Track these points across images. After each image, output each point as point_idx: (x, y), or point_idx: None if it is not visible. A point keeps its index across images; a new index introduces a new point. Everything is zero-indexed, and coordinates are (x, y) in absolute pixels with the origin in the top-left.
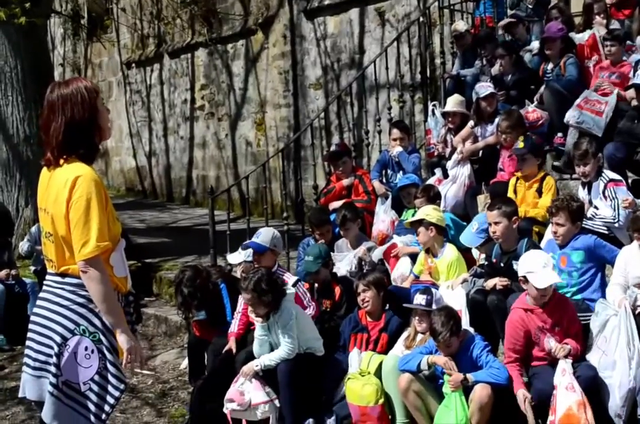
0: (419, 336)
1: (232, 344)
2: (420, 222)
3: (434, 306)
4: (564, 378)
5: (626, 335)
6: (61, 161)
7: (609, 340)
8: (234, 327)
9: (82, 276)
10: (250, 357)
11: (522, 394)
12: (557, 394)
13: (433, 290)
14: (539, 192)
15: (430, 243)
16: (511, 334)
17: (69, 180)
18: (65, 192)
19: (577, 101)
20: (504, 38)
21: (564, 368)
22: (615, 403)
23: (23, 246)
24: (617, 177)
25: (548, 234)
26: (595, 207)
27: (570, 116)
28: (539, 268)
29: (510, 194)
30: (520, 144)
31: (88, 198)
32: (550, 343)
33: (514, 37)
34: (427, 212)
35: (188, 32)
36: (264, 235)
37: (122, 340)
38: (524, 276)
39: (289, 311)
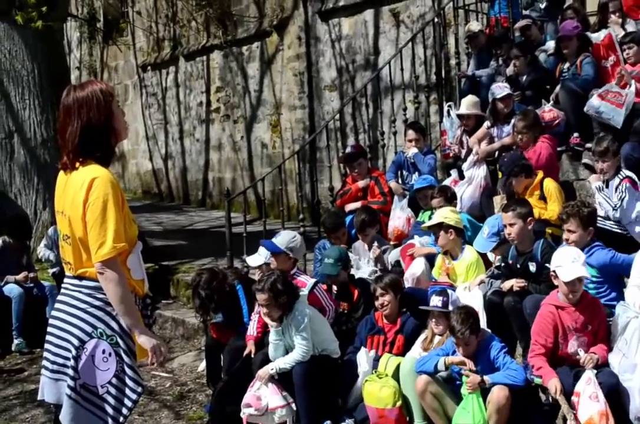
0: (437, 339)
1: (251, 347)
2: (438, 225)
3: (450, 308)
4: (588, 386)
5: None
6: (77, 164)
7: (630, 343)
8: (252, 330)
9: (99, 277)
10: (267, 359)
11: (554, 385)
12: (580, 402)
13: (449, 291)
14: (543, 199)
15: (449, 245)
16: (542, 329)
17: (86, 181)
18: (82, 193)
19: (599, 91)
20: (519, 39)
21: (590, 377)
22: (635, 406)
23: (44, 253)
24: (635, 177)
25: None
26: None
27: (590, 106)
28: (567, 262)
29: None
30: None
31: (105, 200)
32: (580, 352)
33: (528, 38)
34: (445, 215)
35: (203, 35)
36: (282, 237)
37: (142, 340)
38: (554, 271)
39: (303, 313)
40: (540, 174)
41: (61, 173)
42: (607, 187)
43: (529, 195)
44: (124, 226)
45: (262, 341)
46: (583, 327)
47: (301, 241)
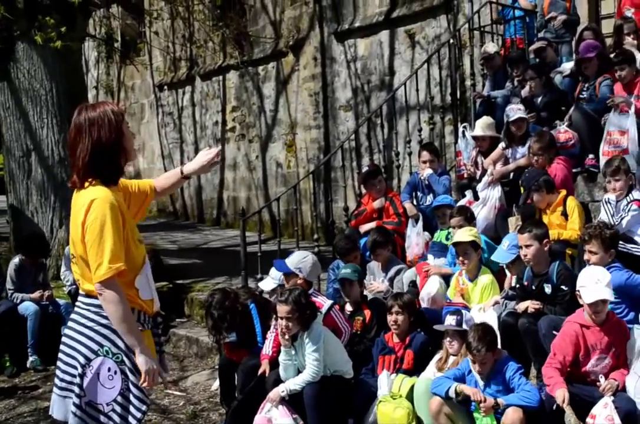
0: (451, 359)
1: (265, 366)
2: (468, 243)
3: (464, 326)
4: (604, 410)
5: None
6: (86, 184)
7: None
8: (267, 349)
9: (99, 298)
10: (279, 379)
11: (561, 394)
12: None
13: (463, 311)
14: (565, 215)
15: (472, 264)
16: (562, 346)
17: (85, 203)
18: (81, 215)
19: (601, 146)
20: (534, 61)
21: (607, 402)
22: None
23: (64, 273)
24: None
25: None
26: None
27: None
28: (591, 283)
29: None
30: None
31: (102, 221)
32: (601, 379)
33: (543, 60)
34: (475, 234)
35: (219, 55)
36: (294, 256)
37: (140, 360)
38: (579, 291)
39: (318, 333)
40: (563, 192)
41: (74, 193)
42: (616, 207)
43: (552, 212)
44: (123, 247)
45: (276, 361)
46: (607, 348)
47: (313, 262)
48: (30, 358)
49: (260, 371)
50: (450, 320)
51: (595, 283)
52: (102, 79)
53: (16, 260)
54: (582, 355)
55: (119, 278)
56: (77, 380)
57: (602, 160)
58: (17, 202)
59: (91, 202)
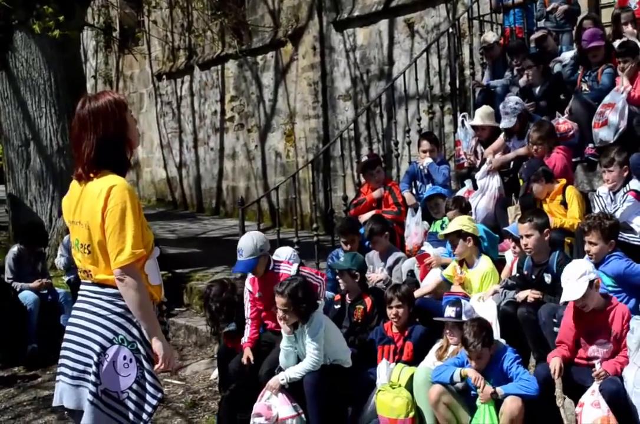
0: (451, 348)
1: (248, 354)
2: (455, 234)
3: (464, 318)
4: (591, 396)
5: None
6: (91, 175)
7: None
8: (246, 337)
9: (118, 284)
10: (273, 368)
11: (555, 363)
12: (583, 411)
13: (463, 301)
14: (564, 204)
15: (467, 254)
16: (564, 331)
17: (104, 190)
18: (100, 201)
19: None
20: (534, 50)
21: (594, 389)
22: None
23: (60, 261)
24: None
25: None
26: None
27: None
28: (565, 280)
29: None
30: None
31: (123, 207)
32: (596, 365)
33: (544, 49)
34: (463, 223)
35: (218, 44)
36: (245, 250)
37: (157, 346)
38: None
39: (319, 323)
40: (563, 181)
41: (73, 184)
42: (613, 198)
43: (550, 200)
44: (141, 233)
45: (258, 344)
46: (607, 333)
47: (256, 237)
48: (29, 347)
49: (243, 359)
50: (449, 312)
51: (565, 281)
52: (100, 69)
53: (15, 249)
54: (582, 340)
55: (136, 263)
56: (93, 368)
57: (594, 134)
58: (15, 191)
59: (110, 188)
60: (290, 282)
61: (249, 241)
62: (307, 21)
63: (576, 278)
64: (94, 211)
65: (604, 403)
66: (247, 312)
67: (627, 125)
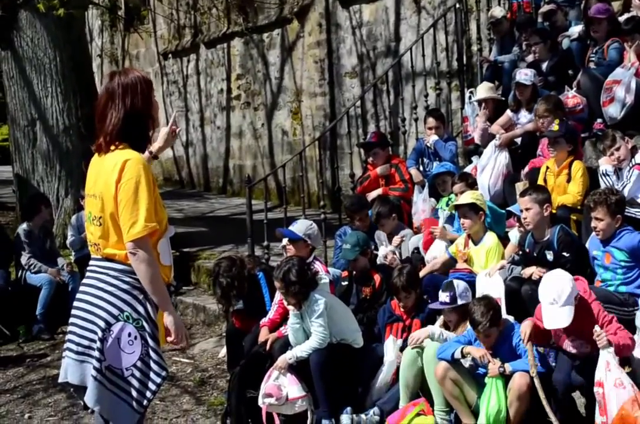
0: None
1: (264, 334)
2: (466, 207)
3: (459, 302)
4: (610, 373)
5: None
6: (113, 147)
7: None
8: (267, 318)
9: (130, 258)
10: (286, 345)
11: (525, 328)
12: (606, 392)
13: (455, 283)
14: (570, 181)
15: (475, 228)
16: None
17: (118, 163)
18: (115, 174)
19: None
20: (542, 25)
21: (607, 360)
22: None
23: (72, 241)
24: None
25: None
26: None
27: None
28: (546, 302)
29: (540, 183)
30: (554, 127)
31: (137, 181)
32: (596, 327)
33: (553, 24)
34: (477, 197)
35: (224, 22)
36: (300, 224)
37: (169, 320)
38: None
39: (318, 302)
40: (571, 157)
41: (94, 158)
42: (619, 174)
43: (557, 175)
44: (155, 208)
45: (277, 327)
46: (579, 334)
47: (318, 230)
48: (37, 326)
49: (260, 339)
50: (443, 297)
51: (550, 303)
52: (106, 48)
53: (24, 225)
54: (554, 336)
55: (148, 238)
56: (98, 344)
57: (604, 112)
58: (22, 172)
59: (125, 161)
60: (284, 266)
61: (306, 223)
62: None
63: (560, 304)
64: (108, 183)
65: (628, 379)
66: (277, 298)
67: (635, 101)
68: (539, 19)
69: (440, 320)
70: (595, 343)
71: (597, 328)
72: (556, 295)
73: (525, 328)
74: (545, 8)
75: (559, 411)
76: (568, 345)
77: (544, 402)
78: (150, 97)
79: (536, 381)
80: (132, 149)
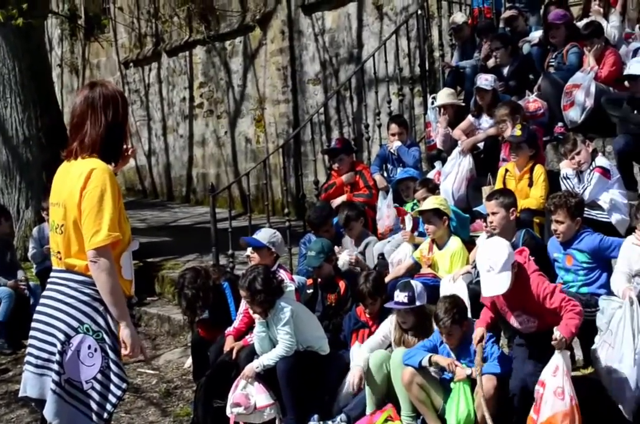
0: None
1: (229, 342)
2: (431, 212)
3: (417, 303)
4: (554, 379)
5: (631, 327)
6: (85, 155)
7: (615, 333)
8: (232, 327)
9: (90, 266)
10: (252, 354)
11: (477, 334)
12: (544, 396)
13: (413, 283)
14: (531, 186)
15: (439, 233)
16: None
17: (84, 171)
18: (80, 182)
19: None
20: (503, 30)
21: (557, 364)
22: (626, 395)
23: (33, 254)
24: (606, 166)
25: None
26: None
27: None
28: (483, 270)
29: (498, 186)
30: (517, 132)
31: (102, 189)
32: (555, 332)
33: (514, 29)
34: (440, 202)
35: (186, 30)
36: (264, 232)
37: (125, 334)
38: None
39: (284, 310)
40: (532, 161)
41: (61, 167)
42: (580, 177)
43: (519, 179)
44: (118, 219)
45: (243, 337)
46: (520, 309)
47: (281, 239)
48: None
49: (226, 348)
50: (401, 297)
51: (487, 271)
52: (66, 57)
53: None
54: (502, 313)
55: (111, 248)
56: (57, 357)
57: (564, 116)
58: None
59: (91, 170)
60: (249, 275)
61: (270, 232)
62: (275, 5)
63: (497, 271)
64: (73, 190)
65: (570, 390)
66: (242, 307)
67: (594, 104)
68: (500, 25)
69: (392, 319)
70: (541, 319)
71: (556, 333)
72: (492, 262)
73: (477, 333)
74: (506, 14)
75: (515, 414)
76: (514, 322)
77: (483, 404)
78: (127, 112)
79: (478, 381)
80: (102, 160)
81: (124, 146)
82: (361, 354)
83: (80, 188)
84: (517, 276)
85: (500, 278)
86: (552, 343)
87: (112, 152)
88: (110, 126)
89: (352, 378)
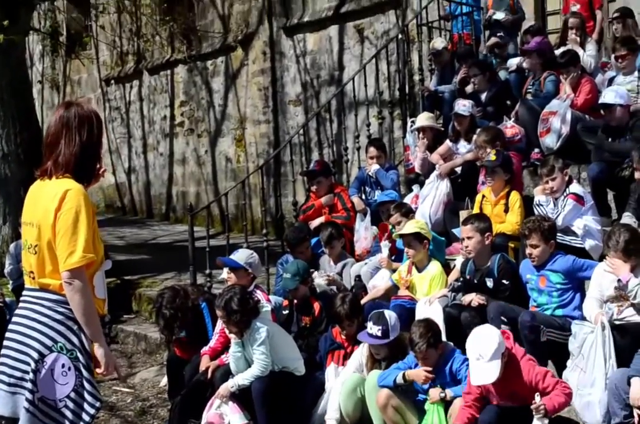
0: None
1: (205, 362)
2: (412, 235)
3: (391, 336)
4: None
5: (602, 352)
6: (59, 175)
7: (587, 358)
8: (207, 347)
9: (65, 287)
10: (228, 373)
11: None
12: None
13: (387, 315)
14: (507, 211)
15: (419, 256)
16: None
17: (59, 192)
18: (54, 202)
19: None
20: (485, 57)
21: None
22: (597, 420)
23: (9, 270)
24: (580, 193)
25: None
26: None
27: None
28: (472, 358)
29: (475, 211)
30: (492, 157)
31: (77, 211)
32: (537, 397)
33: (499, 56)
34: (421, 226)
35: (167, 49)
36: (241, 253)
37: (100, 353)
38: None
39: (260, 330)
40: (508, 187)
41: (34, 185)
42: (554, 203)
43: (495, 204)
44: (92, 239)
45: (218, 355)
46: (508, 394)
47: (258, 260)
48: None
49: (201, 367)
50: (375, 330)
51: (477, 359)
52: (47, 73)
53: None
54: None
55: (85, 269)
56: (30, 376)
57: (541, 142)
58: None
59: (66, 191)
60: (225, 295)
61: (247, 253)
62: (257, 26)
63: (486, 360)
64: (47, 211)
65: None
66: (218, 327)
67: (570, 131)
68: (484, 51)
69: (363, 349)
70: (525, 401)
71: (537, 398)
72: (482, 351)
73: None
74: (491, 41)
75: None
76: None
77: None
78: (102, 132)
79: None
80: (75, 180)
81: (97, 166)
82: (334, 395)
83: (55, 209)
84: (507, 365)
85: (489, 366)
86: (532, 407)
87: (85, 171)
88: (84, 146)
89: None
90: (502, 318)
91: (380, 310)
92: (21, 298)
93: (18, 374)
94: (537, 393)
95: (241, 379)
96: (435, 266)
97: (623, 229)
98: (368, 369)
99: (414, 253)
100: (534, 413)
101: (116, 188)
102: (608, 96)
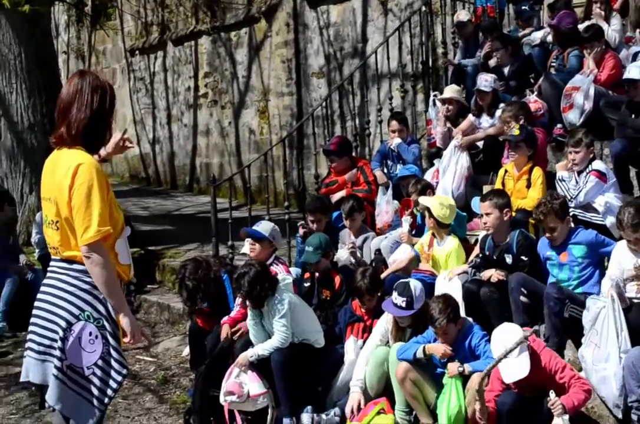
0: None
1: (226, 331)
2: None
3: (415, 307)
4: None
5: (615, 326)
6: (71, 145)
7: (600, 333)
8: (228, 317)
9: (85, 261)
10: (248, 345)
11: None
12: None
13: (412, 285)
14: (529, 187)
15: (436, 229)
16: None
17: (71, 167)
18: (67, 179)
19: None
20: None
21: None
22: (613, 394)
23: (36, 239)
24: (603, 170)
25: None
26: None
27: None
28: (501, 357)
29: (497, 186)
30: (515, 131)
31: (89, 185)
32: (551, 394)
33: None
34: (434, 204)
35: (191, 20)
36: (264, 224)
37: (125, 322)
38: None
39: (282, 301)
40: (531, 162)
41: (50, 157)
42: (577, 179)
43: (517, 180)
44: (109, 211)
45: (237, 324)
46: (531, 387)
47: (279, 233)
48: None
49: (222, 336)
50: (399, 301)
51: (504, 360)
52: (72, 44)
53: None
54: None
55: (103, 241)
56: (59, 344)
57: (563, 117)
58: None
59: (77, 165)
60: (242, 271)
61: (270, 224)
62: None
63: (515, 356)
64: (62, 188)
65: None
66: (239, 298)
67: (593, 107)
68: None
69: (388, 317)
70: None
71: (552, 395)
72: (509, 347)
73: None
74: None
75: None
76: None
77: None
78: (114, 104)
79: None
80: (86, 150)
81: (108, 136)
82: (360, 365)
83: (69, 186)
84: (530, 357)
85: (519, 361)
86: (548, 405)
87: (96, 139)
88: (95, 113)
89: (352, 402)
90: (522, 289)
91: (407, 280)
92: (48, 269)
93: (47, 342)
94: (551, 391)
95: (261, 349)
96: (452, 242)
97: (628, 206)
98: (393, 337)
99: (430, 225)
100: (552, 411)
101: (140, 158)
102: (632, 71)
